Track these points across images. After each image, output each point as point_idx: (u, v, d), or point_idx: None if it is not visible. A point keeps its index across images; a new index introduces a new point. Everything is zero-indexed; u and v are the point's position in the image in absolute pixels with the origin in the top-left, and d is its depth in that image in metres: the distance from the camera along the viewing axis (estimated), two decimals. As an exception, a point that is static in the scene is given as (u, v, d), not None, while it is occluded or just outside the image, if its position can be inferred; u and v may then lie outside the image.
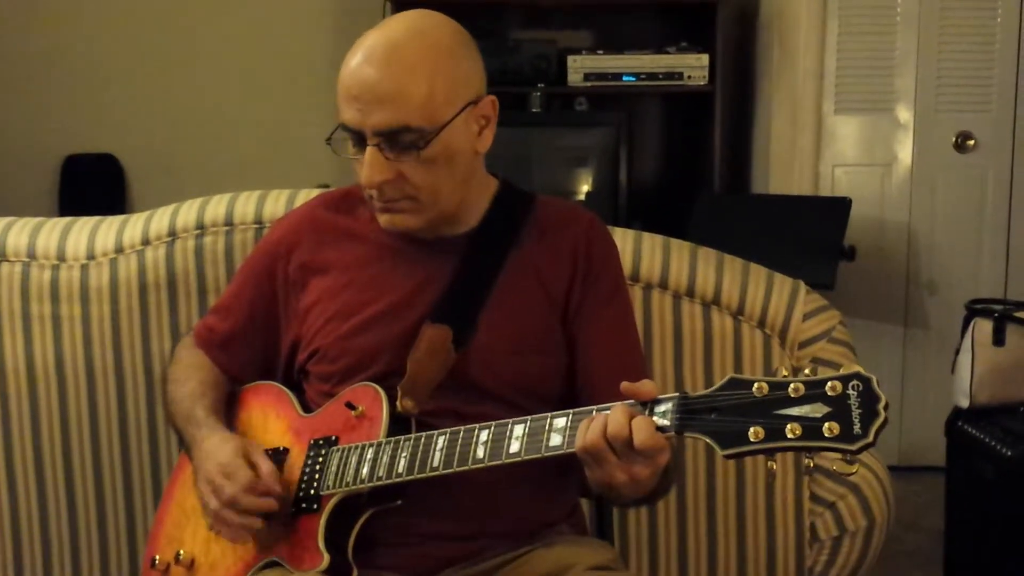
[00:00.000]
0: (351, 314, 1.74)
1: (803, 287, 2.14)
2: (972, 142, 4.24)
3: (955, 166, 4.26)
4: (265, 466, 1.64)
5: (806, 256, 3.80)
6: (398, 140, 1.61)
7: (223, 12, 4.80)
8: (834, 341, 2.12)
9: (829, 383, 1.31)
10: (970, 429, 3.05)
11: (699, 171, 4.63)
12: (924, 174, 4.26)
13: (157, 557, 1.81)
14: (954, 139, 4.25)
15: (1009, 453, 2.86)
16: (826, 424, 1.29)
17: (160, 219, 2.21)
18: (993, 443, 2.93)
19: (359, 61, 1.62)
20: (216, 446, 1.68)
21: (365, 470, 1.60)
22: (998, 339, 3.05)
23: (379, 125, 1.60)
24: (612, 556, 1.74)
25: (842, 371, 1.32)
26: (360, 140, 1.63)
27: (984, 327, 3.07)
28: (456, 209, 1.73)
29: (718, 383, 1.38)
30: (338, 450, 1.65)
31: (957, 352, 3.16)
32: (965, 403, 3.09)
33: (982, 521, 3.02)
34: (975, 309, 3.14)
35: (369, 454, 1.61)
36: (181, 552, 1.76)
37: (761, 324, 2.11)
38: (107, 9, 4.77)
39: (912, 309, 4.31)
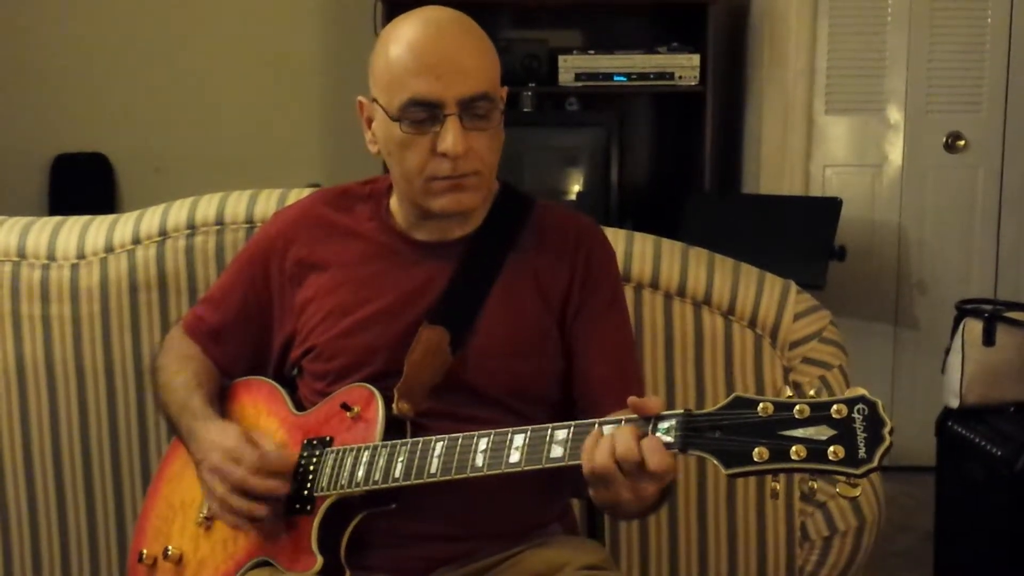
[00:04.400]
0: (347, 312, 1.74)
1: (794, 287, 2.15)
2: (962, 143, 4.25)
3: (945, 166, 4.27)
4: (269, 445, 1.65)
5: (797, 256, 3.81)
6: (475, 109, 1.63)
7: (213, 11, 4.79)
8: (825, 341, 2.12)
9: (835, 406, 1.31)
10: (960, 429, 3.06)
11: (690, 171, 4.63)
12: (914, 174, 4.28)
13: (144, 551, 1.80)
14: (944, 139, 4.26)
15: (999, 453, 2.86)
16: (831, 447, 1.29)
17: (151, 218, 2.21)
18: (983, 443, 2.94)
19: (430, 34, 1.64)
20: (219, 435, 1.68)
21: (360, 473, 1.59)
22: (988, 339, 3.05)
23: (463, 93, 1.61)
24: (603, 556, 1.75)
25: (847, 394, 1.32)
26: (433, 114, 1.63)
27: (974, 327, 3.08)
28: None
29: (723, 401, 1.38)
30: (333, 451, 1.64)
31: (947, 352, 3.16)
32: (955, 403, 3.10)
33: (972, 521, 3.03)
34: (965, 309, 3.15)
35: (365, 457, 1.60)
36: (169, 548, 1.76)
37: (752, 324, 2.11)
38: (97, 8, 4.76)
39: (902, 309, 4.32)
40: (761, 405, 1.34)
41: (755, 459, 1.32)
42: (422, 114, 1.63)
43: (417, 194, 1.69)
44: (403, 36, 1.65)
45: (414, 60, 1.62)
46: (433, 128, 1.63)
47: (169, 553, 1.75)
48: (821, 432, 1.30)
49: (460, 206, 1.68)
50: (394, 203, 1.80)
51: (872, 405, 1.30)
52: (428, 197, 1.68)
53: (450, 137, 1.61)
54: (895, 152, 4.27)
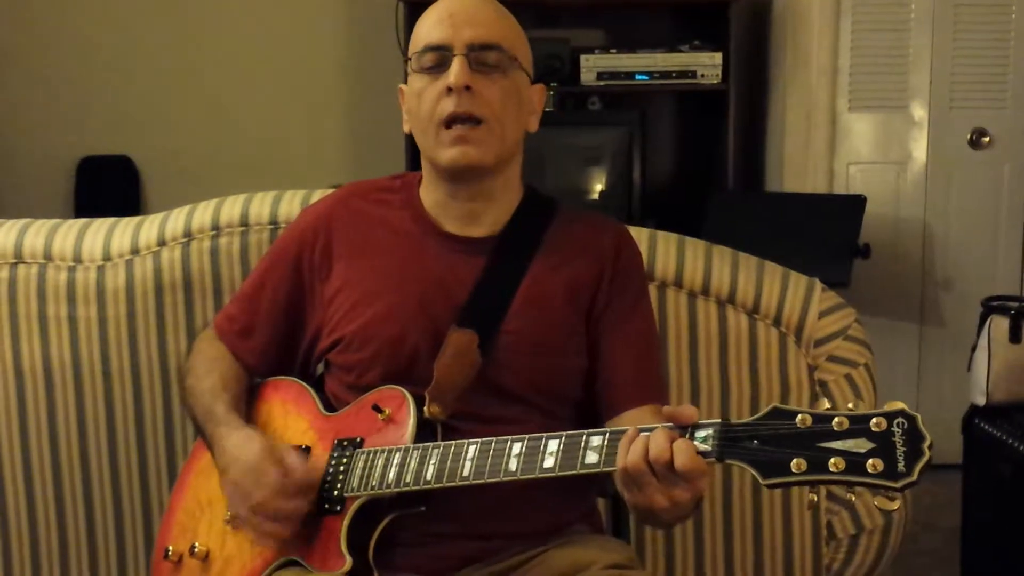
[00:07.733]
0: (375, 300, 1.74)
1: (818, 285, 2.14)
2: (987, 139, 4.23)
3: (970, 163, 4.25)
4: (294, 461, 1.62)
5: (821, 254, 3.79)
6: (484, 57, 1.69)
7: (237, 15, 4.81)
8: (850, 339, 2.12)
9: (874, 419, 1.31)
10: (987, 427, 3.04)
11: (713, 169, 4.62)
12: (939, 171, 4.25)
13: (171, 548, 1.80)
14: (969, 136, 4.23)
15: (1026, 451, 2.84)
16: (870, 460, 1.30)
17: (175, 220, 2.22)
18: (1010, 441, 2.92)
19: None
20: (240, 446, 1.66)
21: (392, 475, 1.59)
22: (1015, 336, 3.03)
23: (473, 39, 1.69)
24: (629, 555, 1.74)
25: (887, 408, 1.33)
26: (443, 57, 1.69)
27: (1000, 324, 3.06)
28: (506, 168, 1.76)
29: (760, 412, 1.38)
30: (364, 453, 1.64)
31: (973, 349, 3.15)
32: (982, 401, 3.08)
33: (999, 519, 3.01)
34: (991, 306, 3.13)
35: (396, 459, 1.60)
36: (196, 544, 1.75)
37: (776, 322, 2.11)
38: (122, 12, 4.78)
39: (928, 306, 4.30)
40: (799, 416, 1.35)
41: (793, 470, 1.32)
42: (434, 59, 1.70)
43: (431, 146, 1.73)
44: (432, 5, 1.75)
45: (432, 14, 1.72)
46: (444, 72, 1.69)
47: (195, 550, 1.75)
48: (860, 445, 1.31)
49: (466, 158, 1.70)
50: (423, 192, 1.81)
51: (912, 419, 1.31)
52: (439, 148, 1.71)
53: (453, 72, 1.67)
54: (919, 149, 4.25)
